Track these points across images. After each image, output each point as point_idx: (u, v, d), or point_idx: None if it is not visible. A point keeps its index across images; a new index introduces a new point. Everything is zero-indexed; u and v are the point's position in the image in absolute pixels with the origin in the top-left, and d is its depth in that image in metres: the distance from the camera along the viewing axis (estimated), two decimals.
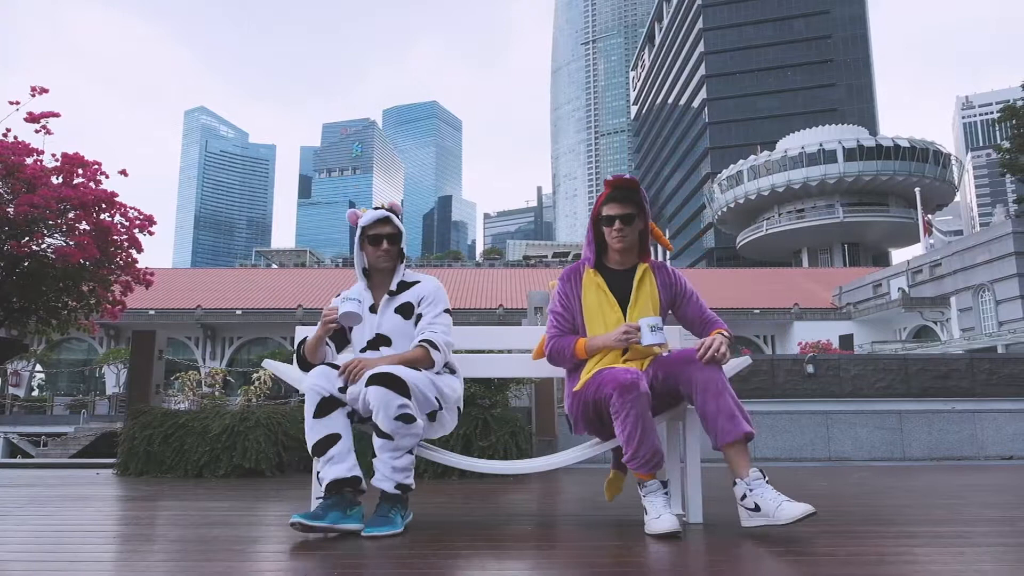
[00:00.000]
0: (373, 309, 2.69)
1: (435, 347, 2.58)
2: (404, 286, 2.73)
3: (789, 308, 37.39)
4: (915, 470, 5.52)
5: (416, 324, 2.67)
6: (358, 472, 2.46)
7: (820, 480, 4.60)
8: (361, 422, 2.56)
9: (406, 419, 2.39)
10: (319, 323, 2.59)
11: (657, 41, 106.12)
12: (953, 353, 18.98)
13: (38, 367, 36.26)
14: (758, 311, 37.81)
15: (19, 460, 15.96)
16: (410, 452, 2.45)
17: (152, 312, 34.91)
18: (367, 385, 2.38)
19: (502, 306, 35.66)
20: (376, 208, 2.72)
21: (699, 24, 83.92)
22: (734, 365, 2.77)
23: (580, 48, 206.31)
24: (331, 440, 2.44)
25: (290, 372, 2.90)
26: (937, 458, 6.63)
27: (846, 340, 29.18)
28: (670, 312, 2.78)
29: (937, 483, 4.48)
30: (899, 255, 69.02)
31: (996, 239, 28.90)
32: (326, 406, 2.44)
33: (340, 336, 2.72)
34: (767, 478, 2.35)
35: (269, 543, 2.41)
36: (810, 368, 7.13)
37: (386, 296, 2.70)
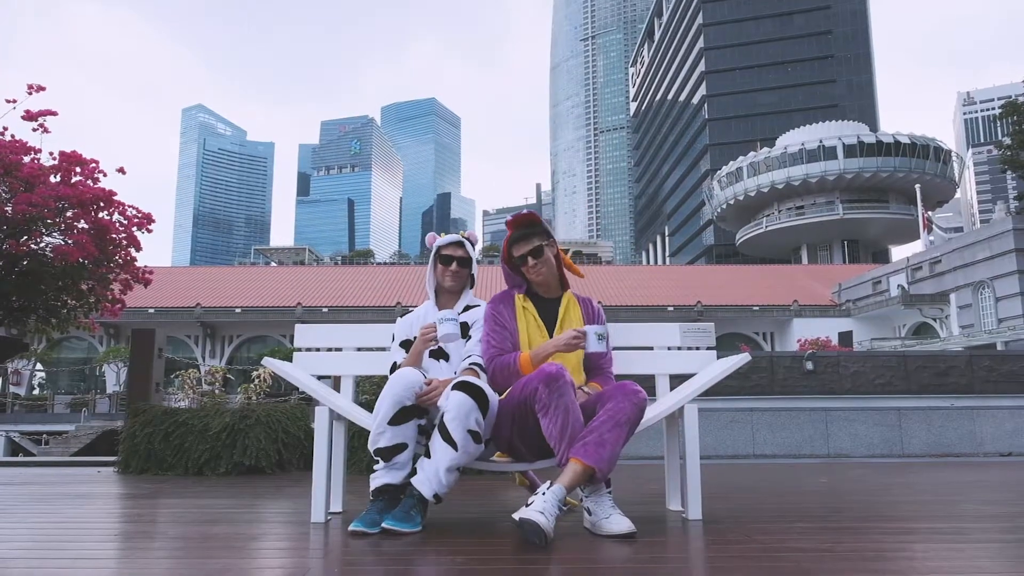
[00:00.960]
0: None
1: (483, 369, 2.69)
2: (467, 308, 2.90)
3: (788, 305, 37.42)
4: (914, 467, 5.53)
5: (467, 338, 2.82)
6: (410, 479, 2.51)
7: (819, 476, 4.61)
8: (422, 433, 2.56)
9: (475, 437, 2.40)
10: (419, 340, 2.69)
11: (656, 37, 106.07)
12: (952, 350, 19.00)
13: (38, 366, 36.28)
14: (757, 308, 37.85)
15: (20, 458, 15.96)
16: (459, 471, 2.45)
17: (152, 310, 34.92)
18: (453, 389, 2.40)
19: None
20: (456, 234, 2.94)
21: (699, 20, 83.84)
22: (734, 362, 2.77)
23: (579, 44, 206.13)
24: (399, 448, 2.45)
25: (289, 370, 2.90)
26: (936, 455, 6.64)
27: (845, 337, 29.24)
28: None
29: (936, 480, 4.49)
30: (899, 252, 69.05)
31: (996, 236, 28.92)
32: (404, 414, 2.45)
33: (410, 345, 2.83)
34: (567, 508, 2.38)
35: (270, 540, 2.42)
36: (809, 365, 7.14)
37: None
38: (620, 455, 2.36)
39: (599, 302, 2.98)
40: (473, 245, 2.93)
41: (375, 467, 2.49)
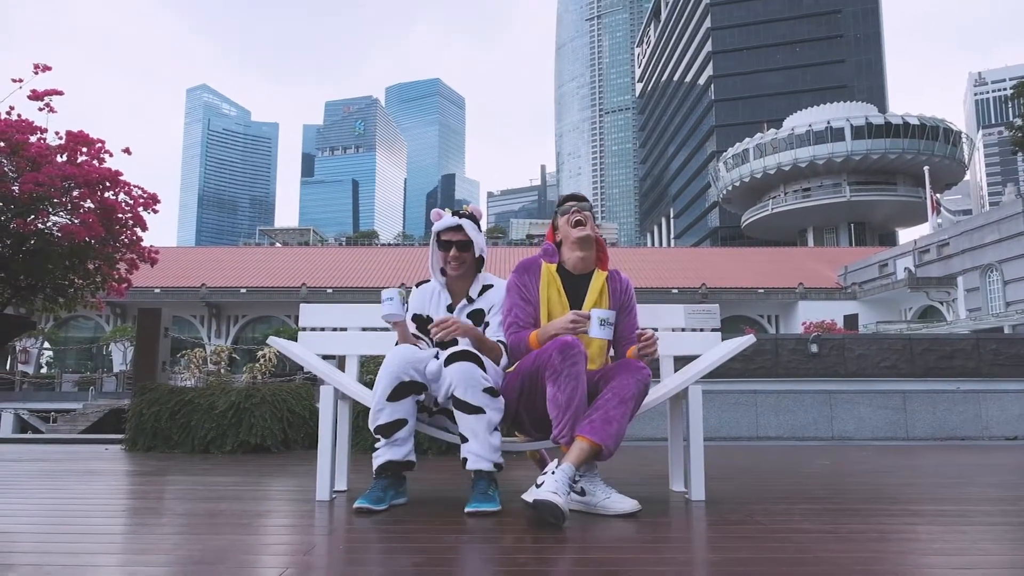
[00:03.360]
0: (450, 309, 2.74)
1: (507, 352, 2.65)
2: (484, 289, 2.78)
3: (794, 288, 37.31)
4: (918, 450, 5.53)
5: (483, 330, 2.70)
6: (413, 457, 2.51)
7: (822, 459, 4.62)
8: (422, 411, 2.57)
9: (492, 393, 2.41)
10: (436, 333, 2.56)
11: (663, 16, 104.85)
12: (959, 333, 18.94)
13: (46, 345, 36.52)
14: (763, 290, 37.75)
15: (29, 435, 16.11)
16: (498, 430, 2.44)
17: (157, 290, 35.05)
18: (446, 365, 2.40)
19: None
20: (456, 213, 2.75)
21: None
22: (738, 344, 2.76)
23: (585, 24, 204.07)
24: (398, 424, 2.45)
25: (295, 350, 2.91)
26: (941, 438, 6.64)
27: (851, 320, 29.11)
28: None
29: (940, 463, 4.49)
30: (906, 235, 68.77)
31: (1006, 218, 28.71)
32: (402, 390, 2.43)
33: (425, 329, 2.71)
34: (580, 485, 2.37)
35: (275, 517, 2.43)
36: (814, 347, 7.13)
37: (464, 301, 2.75)
38: (625, 433, 2.37)
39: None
40: (476, 221, 2.77)
41: (376, 445, 2.50)
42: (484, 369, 2.42)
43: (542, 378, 2.39)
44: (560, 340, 2.35)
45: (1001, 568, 1.72)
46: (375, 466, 2.48)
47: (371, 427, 2.47)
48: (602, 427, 2.30)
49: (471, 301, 2.75)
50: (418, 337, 2.73)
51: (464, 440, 2.43)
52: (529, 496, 2.21)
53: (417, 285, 2.85)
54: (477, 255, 2.77)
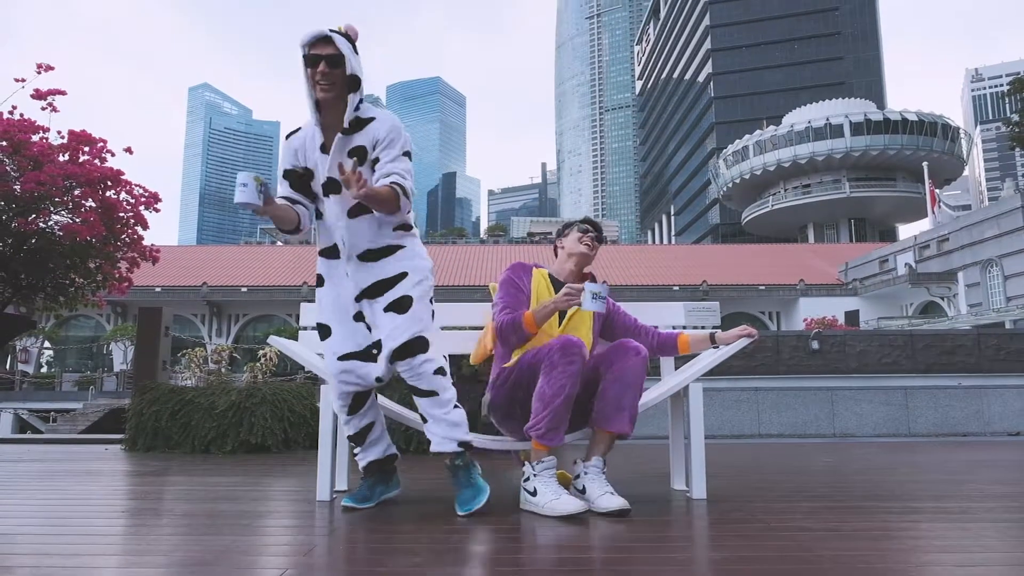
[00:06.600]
0: (325, 149, 2.37)
1: (405, 194, 2.31)
2: (359, 124, 2.37)
3: (795, 284, 37.31)
4: (920, 446, 5.52)
5: (372, 169, 2.37)
6: (393, 450, 2.57)
7: (824, 456, 4.61)
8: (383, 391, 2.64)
9: (441, 371, 2.38)
10: None
11: (662, 14, 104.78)
12: (960, 329, 18.94)
13: (46, 344, 36.53)
14: (763, 287, 37.75)
15: (28, 435, 16.12)
16: (458, 406, 2.40)
17: (158, 289, 35.07)
18: (391, 361, 2.34)
19: None
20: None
21: None
22: (736, 339, 2.75)
23: (585, 22, 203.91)
24: (367, 428, 2.49)
25: (295, 349, 2.90)
26: (943, 434, 6.63)
27: (852, 316, 29.11)
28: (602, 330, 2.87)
29: (942, 459, 4.48)
30: (906, 230, 68.80)
31: (1005, 213, 28.70)
32: (360, 400, 2.44)
33: (304, 185, 2.43)
34: (605, 470, 2.44)
35: (275, 517, 2.42)
36: (815, 344, 7.12)
37: (339, 136, 2.35)
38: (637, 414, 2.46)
39: (604, 281, 2.95)
40: (352, 40, 2.34)
41: (355, 451, 2.54)
42: (425, 346, 2.34)
43: (535, 382, 2.39)
44: (564, 338, 2.37)
45: (1004, 565, 1.71)
46: (360, 467, 2.55)
47: (346, 437, 2.54)
48: (615, 415, 2.39)
49: (347, 133, 2.36)
50: (293, 201, 2.42)
51: (425, 420, 2.40)
52: (598, 506, 2.28)
53: (287, 136, 2.47)
54: (349, 72, 2.31)
